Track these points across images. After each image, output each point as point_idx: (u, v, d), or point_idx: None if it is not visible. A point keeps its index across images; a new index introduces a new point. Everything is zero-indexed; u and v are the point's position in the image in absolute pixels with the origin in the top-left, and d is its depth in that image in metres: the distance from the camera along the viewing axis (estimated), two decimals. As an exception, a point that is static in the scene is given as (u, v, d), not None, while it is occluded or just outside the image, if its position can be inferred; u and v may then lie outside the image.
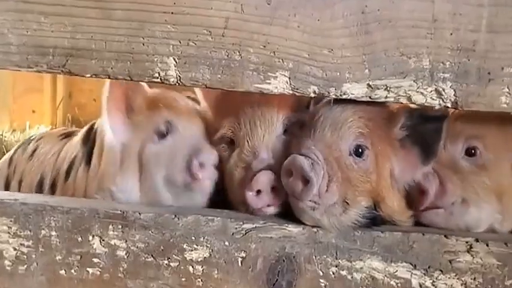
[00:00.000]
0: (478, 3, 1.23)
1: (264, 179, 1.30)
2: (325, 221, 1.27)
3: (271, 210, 1.33)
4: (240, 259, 1.29)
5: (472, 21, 1.23)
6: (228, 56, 1.26)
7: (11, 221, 1.31)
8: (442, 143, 1.39)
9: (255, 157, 1.36)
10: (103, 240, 1.30)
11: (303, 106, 1.46)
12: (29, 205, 1.31)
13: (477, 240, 1.28)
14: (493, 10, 1.23)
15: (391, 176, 1.35)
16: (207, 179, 1.41)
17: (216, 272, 1.29)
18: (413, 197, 1.36)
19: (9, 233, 1.31)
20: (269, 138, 1.39)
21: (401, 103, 1.28)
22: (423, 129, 1.35)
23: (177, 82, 1.27)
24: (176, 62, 1.27)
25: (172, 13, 1.25)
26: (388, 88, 1.26)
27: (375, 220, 1.32)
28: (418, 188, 1.34)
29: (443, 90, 1.25)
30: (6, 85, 4.50)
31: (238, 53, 1.26)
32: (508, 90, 1.24)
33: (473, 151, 1.40)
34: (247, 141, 1.40)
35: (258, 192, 1.30)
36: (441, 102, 1.26)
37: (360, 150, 1.31)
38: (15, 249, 1.31)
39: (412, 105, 1.32)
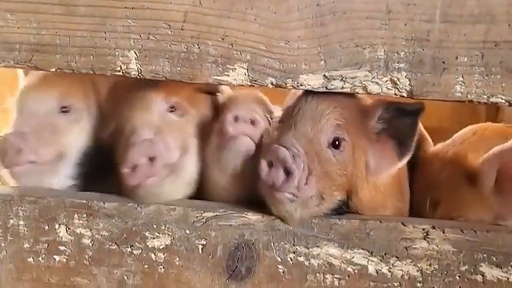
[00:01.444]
0: None
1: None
2: (298, 213, 1.27)
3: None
4: (200, 246, 1.32)
5: (426, 12, 1.24)
6: (187, 48, 1.29)
7: None
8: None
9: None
10: (69, 228, 1.34)
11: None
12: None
13: (434, 228, 1.30)
14: (446, 0, 1.24)
15: (366, 169, 1.35)
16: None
17: (177, 259, 1.32)
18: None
19: None
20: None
21: (358, 93, 1.29)
22: (399, 123, 1.34)
23: (138, 75, 1.31)
24: (137, 56, 1.30)
25: (132, 8, 1.29)
26: (344, 79, 1.27)
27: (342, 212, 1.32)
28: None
29: (398, 79, 1.26)
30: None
31: (197, 46, 1.28)
32: (462, 79, 1.25)
33: (337, 140, 1.36)
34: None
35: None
36: (397, 91, 1.27)
37: (338, 142, 1.31)
38: None
39: (389, 98, 1.32)
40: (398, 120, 1.34)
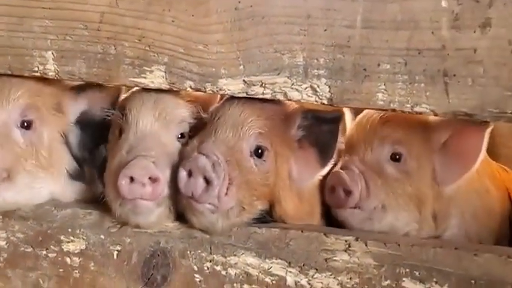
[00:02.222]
0: None
1: (138, 165, 1.19)
2: (219, 224, 1.23)
3: (147, 206, 1.22)
4: (115, 252, 1.30)
5: (346, 17, 1.20)
6: (103, 50, 1.27)
7: None
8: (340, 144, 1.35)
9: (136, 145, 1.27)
10: None
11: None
12: None
13: (356, 239, 1.25)
14: (368, 5, 1.19)
15: (289, 177, 1.31)
16: None
17: (92, 264, 1.30)
18: (338, 195, 1.31)
19: None
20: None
21: (278, 99, 1.25)
22: (319, 131, 1.30)
23: (55, 76, 1.29)
24: (54, 56, 1.29)
25: (50, 8, 1.27)
26: (264, 84, 1.24)
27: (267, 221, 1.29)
28: (343, 187, 1.29)
29: (318, 86, 1.23)
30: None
31: (113, 47, 1.27)
32: (384, 87, 1.21)
33: (397, 156, 1.34)
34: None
35: (132, 179, 1.19)
36: (317, 99, 1.23)
37: (260, 151, 1.26)
38: None
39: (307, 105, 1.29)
40: (318, 128, 1.30)
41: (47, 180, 1.32)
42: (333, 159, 1.32)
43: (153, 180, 1.19)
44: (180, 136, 1.30)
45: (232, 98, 1.28)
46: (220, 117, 1.27)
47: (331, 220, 1.37)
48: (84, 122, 1.37)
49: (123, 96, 1.39)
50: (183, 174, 1.19)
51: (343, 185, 1.28)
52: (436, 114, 1.20)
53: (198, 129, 1.31)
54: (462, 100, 1.17)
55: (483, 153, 1.32)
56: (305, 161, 1.31)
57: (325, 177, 1.35)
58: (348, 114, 1.41)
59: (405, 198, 1.32)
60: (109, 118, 1.33)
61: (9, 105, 1.29)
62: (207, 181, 1.17)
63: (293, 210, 1.31)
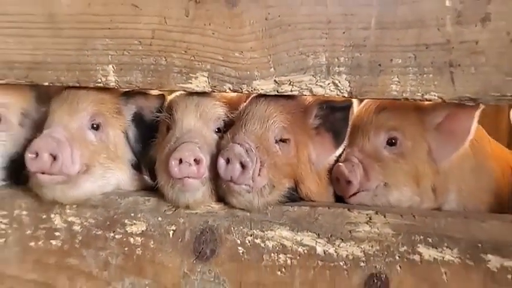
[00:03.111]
0: (367, 3, 0.99)
1: (186, 149, 1.01)
2: (255, 202, 1.03)
3: (193, 184, 1.01)
4: (171, 232, 1.09)
5: (362, 20, 0.99)
6: (155, 61, 1.07)
7: None
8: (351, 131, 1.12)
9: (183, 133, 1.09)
10: (62, 217, 1.12)
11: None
12: (10, 190, 1.14)
13: (376, 213, 1.04)
14: (381, 9, 0.97)
15: (309, 161, 1.11)
16: None
17: (152, 242, 1.10)
18: (341, 185, 1.09)
19: None
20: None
21: (305, 95, 1.05)
22: (333, 118, 1.11)
23: (115, 85, 1.09)
24: (114, 69, 1.09)
25: (109, 29, 1.08)
26: (292, 83, 1.03)
27: (295, 201, 1.08)
28: (344, 178, 1.08)
29: (339, 82, 1.02)
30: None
31: (164, 59, 1.06)
32: (397, 79, 0.99)
33: (393, 141, 1.12)
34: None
35: (180, 161, 1.00)
36: (338, 92, 1.03)
37: (284, 139, 1.07)
38: None
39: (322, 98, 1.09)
40: (332, 116, 1.10)
41: (115, 170, 1.13)
42: (345, 141, 1.11)
43: (197, 161, 1.01)
44: (216, 130, 1.12)
45: (258, 97, 1.10)
46: (249, 113, 1.08)
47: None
48: (137, 121, 1.17)
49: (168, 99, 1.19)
50: (222, 161, 1.01)
51: (343, 176, 1.07)
52: (444, 101, 0.97)
53: (229, 126, 1.11)
54: (467, 87, 0.97)
55: (473, 133, 1.07)
56: (322, 145, 1.12)
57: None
58: (355, 103, 1.18)
59: (404, 175, 1.09)
60: (157, 118, 1.15)
61: (80, 114, 1.09)
62: (243, 165, 1.00)
63: (315, 188, 1.11)
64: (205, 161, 1.03)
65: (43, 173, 1.03)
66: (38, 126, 1.16)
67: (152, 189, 1.11)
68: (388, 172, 1.09)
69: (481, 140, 1.20)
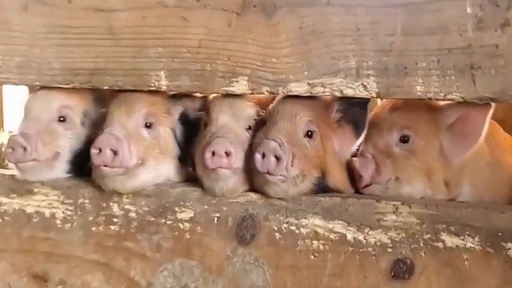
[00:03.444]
0: (393, 12, 1.01)
1: (219, 143, 1.08)
2: (289, 191, 1.08)
3: (225, 173, 1.08)
4: (216, 218, 1.14)
5: (389, 27, 1.02)
6: (201, 67, 1.12)
7: (60, 192, 1.22)
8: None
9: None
10: (120, 205, 1.19)
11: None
12: (69, 181, 1.22)
13: (403, 204, 1.06)
14: (406, 17, 1.01)
15: (333, 151, 1.15)
16: None
17: (199, 228, 1.15)
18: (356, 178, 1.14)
19: (58, 201, 1.22)
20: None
21: (336, 96, 1.08)
22: (352, 112, 1.15)
23: (167, 89, 1.15)
24: (166, 74, 1.14)
25: (161, 39, 1.13)
26: (324, 85, 1.07)
27: (323, 189, 1.12)
28: (356, 172, 1.13)
29: (368, 84, 1.05)
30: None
31: (209, 65, 1.11)
32: (422, 81, 1.02)
33: (406, 138, 1.14)
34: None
35: (213, 153, 1.07)
36: (367, 93, 1.05)
37: (310, 133, 1.12)
38: (63, 212, 1.22)
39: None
40: (352, 110, 1.14)
41: (165, 163, 1.20)
42: (364, 132, 1.15)
43: (228, 154, 1.07)
44: (247, 128, 1.17)
45: (284, 97, 1.13)
46: (278, 112, 1.12)
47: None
48: (183, 120, 1.24)
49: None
50: (258, 156, 1.05)
51: (355, 170, 1.12)
52: (465, 101, 0.98)
53: (260, 125, 1.16)
54: (487, 87, 0.98)
55: (484, 134, 1.09)
56: (344, 136, 1.16)
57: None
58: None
59: (415, 170, 1.11)
60: (200, 117, 1.22)
61: (136, 114, 1.16)
62: (277, 158, 1.04)
63: (340, 177, 1.14)
64: (236, 153, 1.07)
65: (105, 166, 1.09)
66: (96, 125, 1.24)
67: (194, 180, 1.16)
68: (399, 167, 1.11)
69: (497, 135, 1.20)
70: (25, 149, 1.14)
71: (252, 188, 1.12)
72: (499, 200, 1.17)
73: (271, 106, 1.16)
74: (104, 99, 1.27)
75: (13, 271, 1.23)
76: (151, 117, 1.18)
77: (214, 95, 1.20)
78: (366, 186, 1.12)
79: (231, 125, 1.14)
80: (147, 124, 1.17)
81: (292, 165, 1.05)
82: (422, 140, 1.12)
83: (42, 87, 1.23)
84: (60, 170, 1.22)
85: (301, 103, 1.12)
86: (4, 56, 1.19)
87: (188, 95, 1.23)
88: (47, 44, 1.17)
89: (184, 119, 1.24)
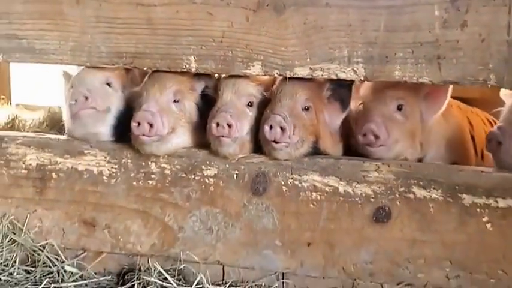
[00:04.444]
0: (377, 12, 1.30)
1: (221, 116, 1.36)
2: (292, 154, 1.38)
3: (226, 141, 1.37)
4: (235, 175, 1.44)
5: (374, 24, 1.31)
6: (224, 53, 1.41)
7: (106, 153, 1.52)
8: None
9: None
10: (157, 164, 1.48)
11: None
12: (114, 144, 1.52)
13: (383, 163, 1.37)
14: (388, 17, 1.29)
15: (324, 122, 1.45)
16: None
17: (221, 182, 1.45)
18: (368, 138, 1.37)
19: (105, 160, 1.52)
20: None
21: (331, 79, 1.38)
22: (340, 91, 1.45)
23: (196, 70, 1.44)
24: (195, 59, 1.42)
25: (192, 29, 1.42)
26: (322, 70, 1.36)
27: (317, 152, 1.42)
28: (373, 133, 1.36)
29: (357, 69, 1.34)
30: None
31: (230, 52, 1.40)
32: (399, 67, 1.31)
33: (400, 107, 1.43)
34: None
35: (217, 124, 1.35)
36: (357, 77, 1.35)
37: (307, 107, 1.41)
38: (108, 170, 1.52)
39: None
40: (339, 90, 1.44)
41: (191, 131, 1.49)
42: (349, 108, 1.45)
43: (229, 125, 1.36)
44: (248, 104, 1.45)
45: (284, 79, 1.40)
46: (281, 91, 1.41)
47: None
48: (203, 96, 1.54)
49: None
50: (267, 128, 1.34)
51: (374, 132, 1.35)
52: (433, 83, 1.29)
53: (266, 103, 1.43)
54: (450, 74, 1.28)
55: (448, 100, 1.42)
56: (333, 110, 1.46)
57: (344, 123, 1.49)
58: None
59: (407, 133, 1.41)
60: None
61: (167, 91, 1.46)
62: (282, 129, 1.33)
63: (330, 144, 1.45)
64: (235, 125, 1.35)
65: (143, 136, 1.39)
66: (130, 99, 1.55)
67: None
68: (398, 130, 1.38)
69: (451, 108, 1.52)
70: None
71: (260, 152, 1.42)
72: (455, 158, 1.51)
73: (274, 87, 1.45)
74: (136, 80, 1.59)
75: (66, 218, 1.55)
76: (179, 93, 1.47)
77: (224, 75, 1.49)
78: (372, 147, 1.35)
79: (233, 101, 1.42)
80: (175, 100, 1.46)
81: (294, 134, 1.34)
82: (410, 107, 1.42)
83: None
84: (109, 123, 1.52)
85: (299, 84, 1.41)
86: (60, 41, 1.49)
87: (208, 75, 1.50)
88: (96, 31, 1.46)
89: (204, 94, 1.54)
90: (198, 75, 1.52)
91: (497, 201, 1.28)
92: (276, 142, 1.34)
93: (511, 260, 1.30)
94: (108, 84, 1.53)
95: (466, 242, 1.31)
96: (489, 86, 1.24)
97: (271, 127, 1.33)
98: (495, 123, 1.63)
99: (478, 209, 1.30)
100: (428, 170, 1.33)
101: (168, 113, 1.43)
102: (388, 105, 1.40)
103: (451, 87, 1.38)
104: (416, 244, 1.34)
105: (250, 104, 1.44)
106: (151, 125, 1.37)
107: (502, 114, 1.39)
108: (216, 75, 1.52)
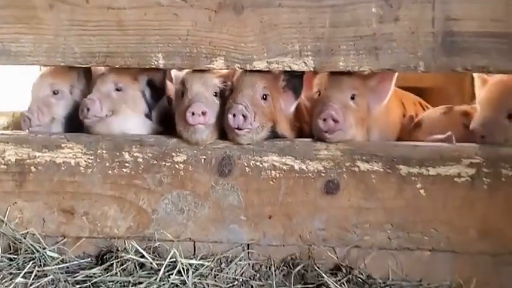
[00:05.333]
0: (323, 11, 1.10)
1: (196, 106, 1.12)
2: (254, 138, 1.14)
3: (201, 128, 1.12)
4: (202, 159, 1.18)
5: (320, 22, 1.10)
6: (190, 50, 1.15)
7: (83, 146, 1.20)
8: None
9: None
10: (130, 153, 1.19)
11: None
12: (90, 137, 1.20)
13: (331, 143, 1.15)
14: (332, 15, 1.09)
15: (280, 109, 1.21)
16: None
17: (190, 167, 1.18)
18: (328, 124, 1.11)
19: (81, 152, 1.20)
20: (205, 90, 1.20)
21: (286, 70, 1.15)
22: (293, 81, 1.21)
23: (164, 67, 1.17)
24: (163, 56, 1.15)
25: (158, 29, 1.15)
26: (278, 62, 1.14)
27: (275, 135, 1.18)
28: (333, 118, 1.12)
29: (307, 61, 1.13)
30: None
31: (195, 49, 1.15)
32: (343, 58, 1.11)
33: (353, 97, 1.18)
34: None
35: (193, 114, 1.11)
36: (307, 68, 1.13)
37: (265, 96, 1.17)
38: (85, 161, 1.21)
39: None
40: (292, 80, 1.21)
41: (134, 117, 1.24)
42: (300, 97, 1.22)
43: (204, 113, 1.12)
44: (214, 94, 1.20)
45: (244, 71, 1.16)
46: (242, 83, 1.17)
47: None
48: (150, 85, 1.27)
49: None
50: (230, 116, 1.11)
51: (333, 117, 1.11)
52: (372, 71, 1.09)
53: (229, 93, 1.19)
54: (386, 62, 1.09)
55: (391, 92, 1.20)
56: (287, 98, 1.22)
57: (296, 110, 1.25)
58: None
59: (358, 119, 1.17)
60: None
61: (108, 82, 1.23)
62: (244, 117, 1.10)
63: (286, 128, 1.21)
64: (208, 113, 1.12)
65: (85, 118, 1.16)
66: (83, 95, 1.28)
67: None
68: (352, 116, 1.15)
69: (396, 96, 1.30)
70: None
71: (224, 138, 1.16)
72: (391, 137, 1.28)
73: (235, 78, 1.21)
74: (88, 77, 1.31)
75: (46, 208, 1.21)
76: (121, 83, 1.22)
77: (187, 71, 1.22)
78: (330, 132, 1.12)
79: (202, 92, 1.17)
80: (117, 88, 1.22)
81: (254, 120, 1.11)
82: (360, 97, 1.19)
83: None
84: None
85: (257, 75, 1.17)
86: (35, 43, 1.16)
87: (153, 68, 1.19)
88: (69, 34, 1.15)
89: (151, 84, 1.27)
90: (142, 70, 1.23)
91: (428, 170, 1.10)
92: (239, 129, 1.11)
93: (441, 220, 1.12)
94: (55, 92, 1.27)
95: (404, 206, 1.12)
96: (419, 71, 1.06)
97: (234, 115, 1.10)
98: (425, 106, 1.46)
99: (413, 178, 1.11)
100: (370, 146, 1.13)
101: (107, 98, 1.19)
102: (344, 93, 1.17)
103: (394, 78, 1.17)
104: (362, 211, 1.13)
105: (215, 94, 1.19)
106: (88, 109, 1.16)
107: (478, 110, 1.18)
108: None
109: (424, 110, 1.44)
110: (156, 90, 1.27)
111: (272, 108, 1.17)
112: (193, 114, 1.10)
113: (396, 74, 1.16)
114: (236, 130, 1.11)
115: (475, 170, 1.09)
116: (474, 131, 1.14)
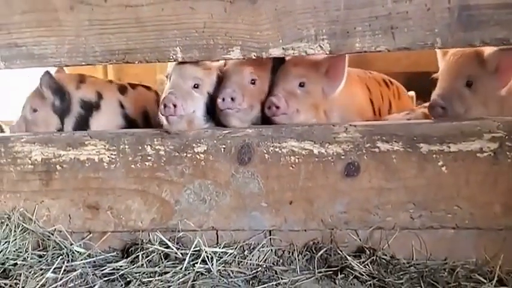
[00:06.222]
0: None
1: (167, 98, 0.83)
2: (243, 118, 0.87)
3: (174, 119, 0.83)
4: (222, 149, 0.87)
5: (335, 5, 0.80)
6: (207, 42, 0.85)
7: (106, 142, 0.89)
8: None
9: None
10: (152, 146, 0.88)
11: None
12: (113, 133, 0.89)
13: (350, 125, 0.84)
14: None
15: (268, 91, 0.92)
16: None
17: (211, 157, 0.88)
18: (272, 110, 0.87)
19: (104, 148, 0.90)
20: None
21: (302, 55, 0.84)
22: (278, 66, 0.93)
23: (182, 59, 0.86)
24: (181, 49, 0.85)
25: (176, 23, 0.85)
26: (293, 48, 0.84)
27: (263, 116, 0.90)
28: (275, 105, 0.86)
29: (323, 45, 0.83)
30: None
31: (212, 40, 0.85)
32: (359, 40, 0.79)
33: (302, 84, 0.90)
34: None
35: (165, 106, 0.83)
36: (323, 52, 0.83)
37: (253, 80, 0.90)
38: (108, 156, 0.90)
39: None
40: (278, 64, 0.92)
41: None
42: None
43: (175, 105, 0.83)
44: (194, 86, 0.89)
45: (234, 61, 0.89)
46: (232, 70, 0.90)
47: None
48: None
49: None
50: (219, 100, 0.84)
51: (274, 103, 0.85)
52: (389, 51, 0.79)
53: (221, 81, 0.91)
54: (403, 41, 0.79)
55: (346, 76, 0.88)
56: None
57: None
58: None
59: (308, 105, 0.88)
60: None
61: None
62: (232, 99, 0.83)
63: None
64: (180, 105, 0.83)
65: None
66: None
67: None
68: (299, 102, 0.88)
69: (351, 78, 0.97)
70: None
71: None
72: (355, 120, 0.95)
73: (225, 68, 0.93)
74: None
75: (72, 205, 0.90)
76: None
77: (176, 62, 0.92)
78: (276, 116, 0.86)
79: (179, 84, 0.88)
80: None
81: (243, 101, 0.84)
82: (312, 84, 0.90)
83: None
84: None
85: (246, 62, 0.89)
86: (57, 45, 0.86)
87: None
88: (89, 33, 0.85)
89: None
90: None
91: (449, 147, 0.79)
92: (229, 109, 0.83)
93: (464, 196, 0.81)
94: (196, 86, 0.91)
95: (425, 185, 0.81)
96: (436, 48, 0.77)
97: (223, 99, 0.83)
98: (390, 82, 1.12)
99: (434, 155, 0.80)
100: (390, 126, 0.82)
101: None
102: (290, 82, 0.89)
103: (346, 60, 0.87)
104: (383, 192, 0.82)
105: (196, 86, 0.89)
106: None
107: (439, 81, 0.88)
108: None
109: (387, 86, 1.10)
110: None
111: (260, 90, 0.89)
112: (165, 106, 0.82)
113: (347, 57, 0.86)
114: (226, 110, 0.84)
115: (498, 144, 0.78)
116: (434, 104, 0.84)
